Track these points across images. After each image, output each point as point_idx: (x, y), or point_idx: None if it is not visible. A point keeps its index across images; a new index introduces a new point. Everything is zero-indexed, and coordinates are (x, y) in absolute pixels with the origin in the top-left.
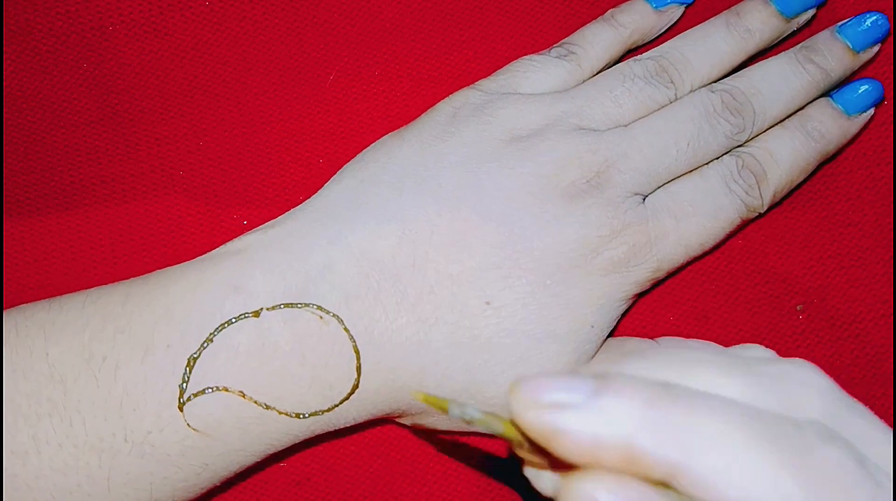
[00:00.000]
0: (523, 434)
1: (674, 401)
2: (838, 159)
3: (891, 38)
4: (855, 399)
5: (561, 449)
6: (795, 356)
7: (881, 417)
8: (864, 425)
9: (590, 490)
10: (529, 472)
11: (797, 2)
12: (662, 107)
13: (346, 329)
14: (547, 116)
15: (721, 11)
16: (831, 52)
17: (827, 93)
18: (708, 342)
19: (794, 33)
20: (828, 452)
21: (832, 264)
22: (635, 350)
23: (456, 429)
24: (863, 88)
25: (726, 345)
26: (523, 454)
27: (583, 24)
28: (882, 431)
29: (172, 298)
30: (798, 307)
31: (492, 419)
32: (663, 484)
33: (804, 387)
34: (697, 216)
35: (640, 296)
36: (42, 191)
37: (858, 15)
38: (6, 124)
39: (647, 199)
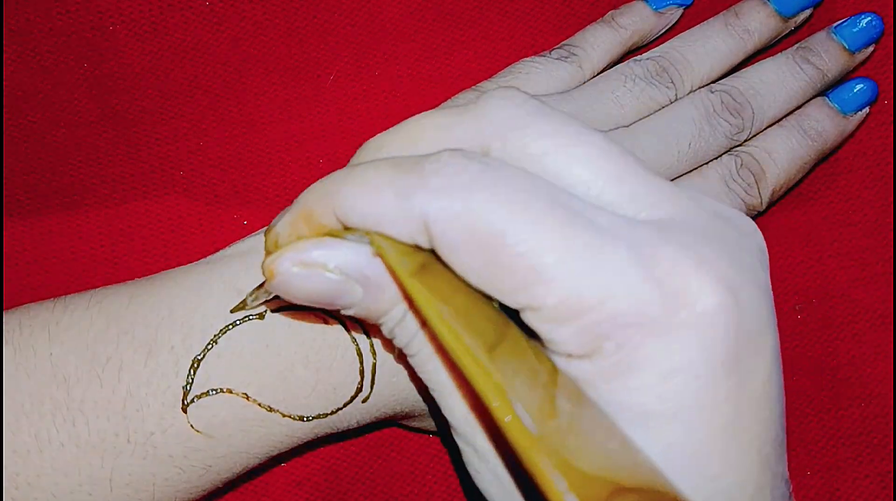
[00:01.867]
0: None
1: (342, 172)
2: (838, 159)
3: (890, 39)
4: (551, 115)
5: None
6: (791, 356)
7: (879, 417)
8: (529, 134)
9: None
10: None
11: (795, 1)
12: (662, 107)
13: (349, 331)
14: None
15: (720, 12)
16: (827, 53)
17: (823, 92)
18: None
19: (790, 33)
20: (436, 157)
21: (832, 264)
22: None
23: None
24: (858, 87)
25: None
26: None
27: (583, 25)
28: (544, 137)
29: (176, 299)
30: (796, 307)
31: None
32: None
33: (489, 104)
34: None
35: None
36: (42, 191)
37: (853, 16)
38: (6, 124)
39: None
